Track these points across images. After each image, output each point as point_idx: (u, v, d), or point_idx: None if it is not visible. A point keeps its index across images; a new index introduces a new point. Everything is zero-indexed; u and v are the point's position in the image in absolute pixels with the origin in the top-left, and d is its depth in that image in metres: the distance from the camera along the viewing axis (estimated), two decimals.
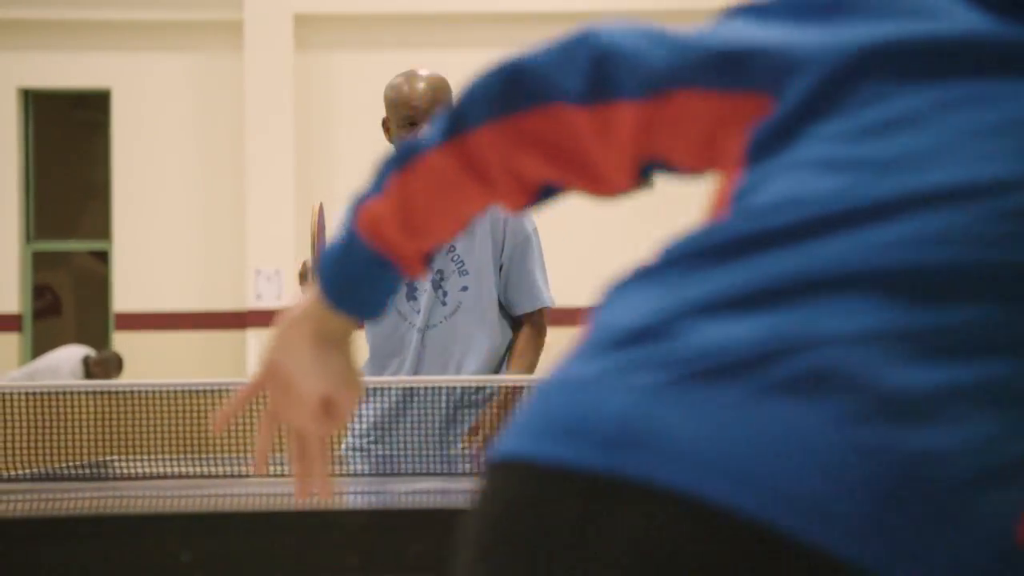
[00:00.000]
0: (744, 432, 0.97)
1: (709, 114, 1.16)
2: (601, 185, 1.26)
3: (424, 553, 2.32)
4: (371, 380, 3.60)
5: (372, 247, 1.34)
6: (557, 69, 1.21)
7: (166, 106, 12.72)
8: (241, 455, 3.77)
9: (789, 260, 1.03)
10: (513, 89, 1.24)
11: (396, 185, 1.32)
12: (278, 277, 12.32)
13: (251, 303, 12.37)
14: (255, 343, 12.29)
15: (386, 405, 3.81)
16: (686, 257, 1.08)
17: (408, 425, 3.79)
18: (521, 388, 3.75)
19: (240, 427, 3.79)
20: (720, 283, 1.04)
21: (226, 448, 3.79)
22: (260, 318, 12.29)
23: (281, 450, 3.89)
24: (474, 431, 3.75)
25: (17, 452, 3.58)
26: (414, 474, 3.48)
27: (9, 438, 3.62)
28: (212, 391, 3.66)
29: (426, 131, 1.32)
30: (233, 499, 2.87)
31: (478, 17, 12.61)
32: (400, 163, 1.32)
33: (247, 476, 3.47)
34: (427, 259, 1.37)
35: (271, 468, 3.53)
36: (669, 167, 1.24)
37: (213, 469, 3.43)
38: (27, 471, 3.50)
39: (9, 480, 3.39)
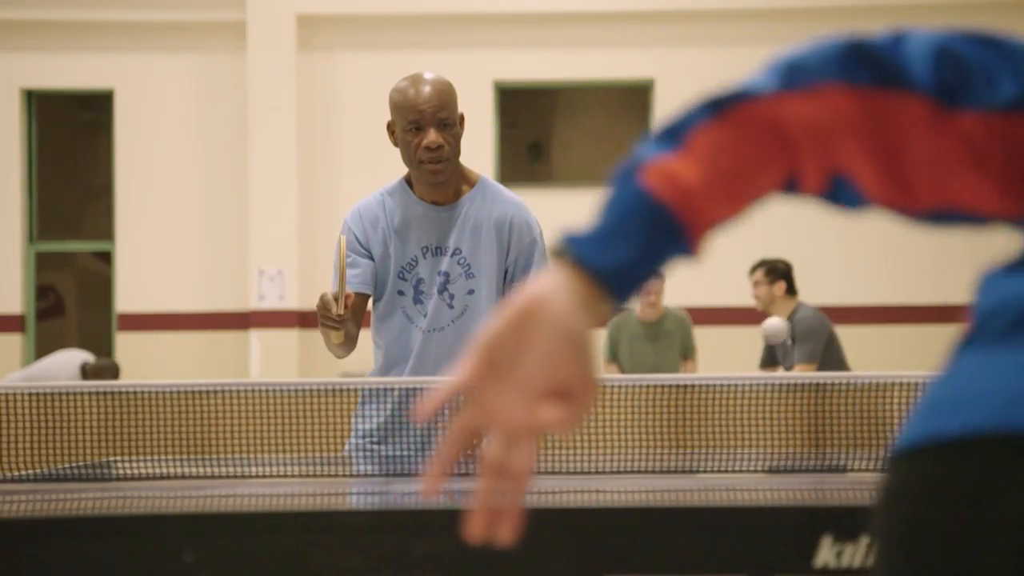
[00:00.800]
0: None
1: None
2: (900, 193, 1.17)
3: (427, 554, 2.32)
4: (375, 381, 3.60)
5: (667, 210, 1.16)
6: (901, 58, 1.14)
7: (169, 107, 12.73)
8: (243, 456, 3.77)
9: None
10: (861, 61, 1.15)
11: (707, 136, 1.16)
12: (281, 278, 12.33)
13: (254, 304, 12.37)
14: (258, 344, 12.30)
15: (391, 406, 3.81)
16: None
17: (412, 426, 3.79)
18: None
19: (242, 428, 3.80)
20: None
21: (229, 449, 3.80)
22: (263, 319, 12.30)
23: (284, 451, 3.87)
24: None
25: (21, 453, 3.59)
26: (417, 475, 3.49)
27: (13, 439, 3.62)
28: (215, 392, 3.66)
29: (749, 79, 1.18)
30: (236, 499, 2.87)
31: (480, 18, 12.61)
32: (715, 110, 1.17)
33: (250, 477, 3.48)
34: (711, 235, 1.20)
35: (272, 469, 3.54)
36: (966, 208, 1.18)
37: (216, 470, 3.43)
38: (31, 471, 3.51)
39: (13, 480, 3.40)
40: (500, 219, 3.77)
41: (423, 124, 3.64)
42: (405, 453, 3.80)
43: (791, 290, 8.45)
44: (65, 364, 10.02)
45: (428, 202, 3.77)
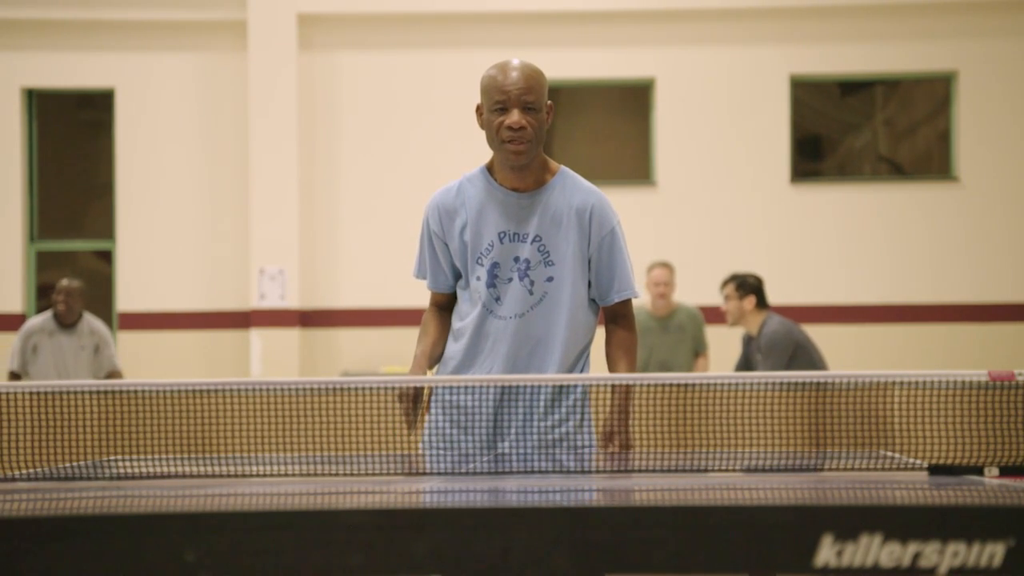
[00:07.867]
0: None
1: None
2: None
3: (427, 554, 2.32)
4: (447, 379, 3.59)
5: None
6: None
7: (170, 106, 12.74)
8: (244, 455, 3.77)
9: None
10: None
11: None
12: (281, 277, 12.33)
13: (254, 303, 12.37)
14: (258, 343, 12.30)
15: (462, 401, 3.84)
16: None
17: (477, 423, 3.81)
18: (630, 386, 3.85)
19: (243, 427, 3.80)
20: None
21: (229, 448, 3.80)
22: (263, 318, 12.30)
23: (285, 450, 3.87)
24: (608, 436, 3.85)
25: (21, 452, 3.59)
26: (420, 474, 3.49)
27: (13, 438, 3.63)
28: (215, 391, 3.66)
29: None
30: (237, 499, 2.87)
31: (480, 17, 12.61)
32: None
33: (251, 475, 3.48)
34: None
35: (273, 468, 3.55)
36: None
37: (216, 469, 3.43)
38: (31, 471, 3.51)
39: (13, 480, 3.40)
40: (581, 207, 3.84)
41: (508, 105, 3.72)
42: (408, 453, 3.82)
43: (761, 303, 8.66)
44: (38, 318, 9.99)
45: (509, 188, 3.83)
